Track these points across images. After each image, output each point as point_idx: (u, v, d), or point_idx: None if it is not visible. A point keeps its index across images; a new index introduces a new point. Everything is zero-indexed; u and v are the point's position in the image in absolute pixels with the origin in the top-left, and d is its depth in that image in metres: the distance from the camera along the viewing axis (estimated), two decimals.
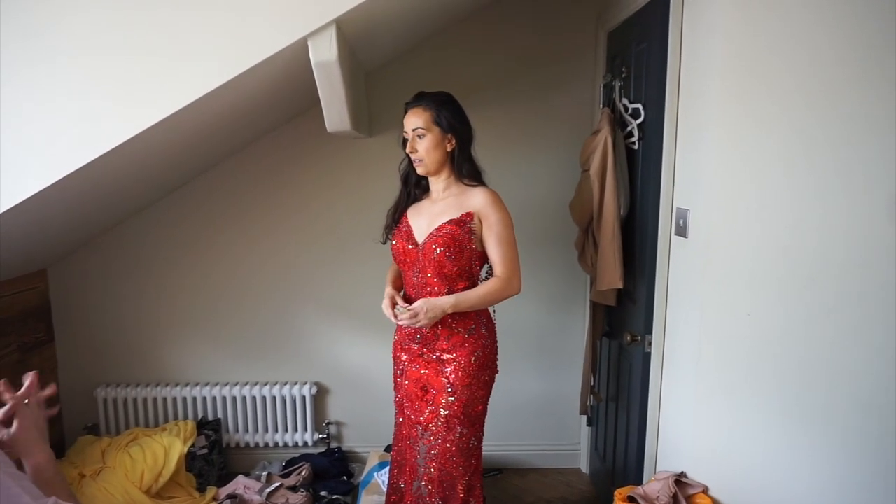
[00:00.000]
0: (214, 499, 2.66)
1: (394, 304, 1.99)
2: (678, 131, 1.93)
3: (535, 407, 3.08)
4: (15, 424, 1.28)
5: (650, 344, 2.10)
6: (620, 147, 2.28)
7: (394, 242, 2.05)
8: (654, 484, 1.85)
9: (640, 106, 2.16)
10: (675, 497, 1.77)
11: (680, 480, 1.83)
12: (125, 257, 2.95)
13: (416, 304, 1.90)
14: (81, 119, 1.80)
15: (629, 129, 2.24)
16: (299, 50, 1.82)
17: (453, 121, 1.94)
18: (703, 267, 1.76)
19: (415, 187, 2.09)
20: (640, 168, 2.20)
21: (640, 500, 1.81)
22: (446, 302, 1.90)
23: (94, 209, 2.50)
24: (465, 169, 1.98)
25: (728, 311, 1.72)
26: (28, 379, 1.34)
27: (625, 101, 2.29)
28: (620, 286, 2.23)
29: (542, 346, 3.04)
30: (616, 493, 1.89)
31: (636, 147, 2.23)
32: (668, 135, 1.96)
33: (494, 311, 2.11)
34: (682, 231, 1.88)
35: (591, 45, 2.80)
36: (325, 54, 1.80)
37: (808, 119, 1.57)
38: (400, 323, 1.95)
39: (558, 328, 3.02)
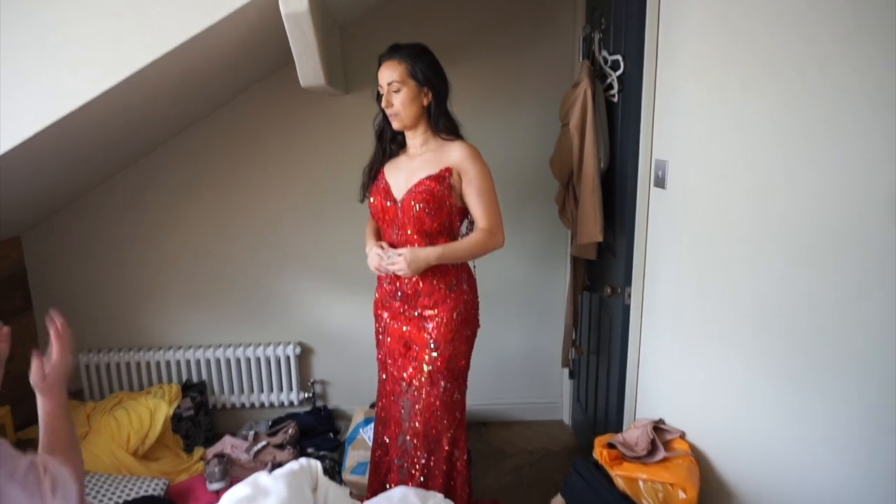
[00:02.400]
0: (202, 459, 2.69)
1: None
2: (657, 82, 1.91)
3: (519, 361, 3.13)
4: (55, 363, 1.31)
5: (630, 296, 2.12)
6: (600, 100, 2.26)
7: (371, 200, 2.03)
8: (634, 431, 1.90)
9: (619, 58, 2.13)
10: (653, 442, 1.82)
11: (658, 427, 1.88)
12: (103, 222, 2.89)
13: (402, 251, 1.88)
14: (47, 77, 1.74)
15: (609, 81, 2.21)
16: (270, 1, 1.76)
17: (429, 73, 1.89)
18: (681, 218, 1.77)
19: (390, 143, 2.05)
20: (620, 120, 2.18)
21: (619, 447, 1.86)
22: (432, 253, 1.88)
23: (65, 173, 2.44)
24: (442, 123, 1.94)
25: (705, 260, 1.74)
26: (59, 319, 1.37)
27: (604, 53, 2.26)
28: (600, 239, 2.24)
29: (524, 302, 3.07)
30: (596, 440, 1.93)
31: (616, 100, 2.21)
32: (647, 86, 1.95)
33: (475, 267, 2.11)
34: (660, 182, 1.88)
35: None
36: (295, 5, 1.75)
37: (787, 70, 1.57)
38: (385, 269, 1.92)
39: (540, 283, 3.05)
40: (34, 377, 1.29)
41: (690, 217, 1.74)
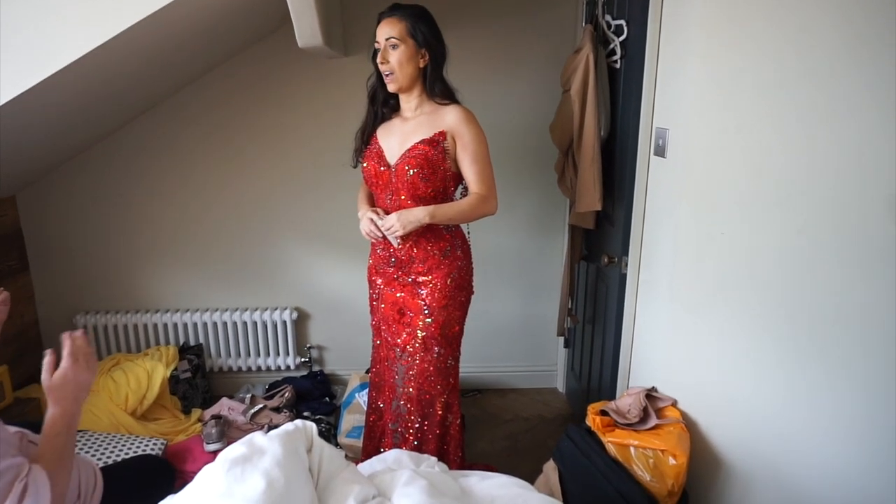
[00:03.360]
0: (200, 420, 2.72)
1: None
2: (661, 49, 1.87)
3: (514, 329, 3.14)
4: (59, 371, 1.30)
5: (626, 265, 2.12)
6: (602, 66, 2.22)
7: (365, 165, 2.00)
8: (626, 398, 1.91)
9: (623, 23, 2.09)
10: (645, 410, 1.83)
11: (650, 395, 1.89)
12: (100, 183, 2.87)
13: (389, 218, 1.87)
14: (40, 32, 1.71)
15: (612, 46, 2.18)
16: None
17: (428, 36, 1.86)
18: (680, 187, 1.75)
19: (382, 106, 2.01)
20: (622, 87, 2.15)
21: (612, 414, 1.87)
22: (422, 211, 1.86)
23: (61, 130, 2.41)
24: (438, 88, 1.91)
25: (703, 231, 1.72)
26: (80, 332, 1.35)
27: (608, 17, 2.21)
28: (599, 208, 2.23)
29: (521, 270, 3.07)
30: (589, 407, 1.95)
31: (618, 66, 2.17)
32: (651, 52, 1.91)
33: (469, 233, 2.11)
34: (660, 151, 1.86)
35: None
36: None
37: (790, 44, 1.53)
38: (376, 235, 1.92)
39: (537, 252, 3.04)
40: (42, 376, 1.30)
41: (690, 187, 1.72)
